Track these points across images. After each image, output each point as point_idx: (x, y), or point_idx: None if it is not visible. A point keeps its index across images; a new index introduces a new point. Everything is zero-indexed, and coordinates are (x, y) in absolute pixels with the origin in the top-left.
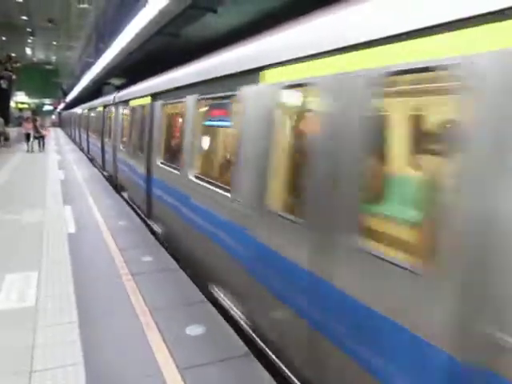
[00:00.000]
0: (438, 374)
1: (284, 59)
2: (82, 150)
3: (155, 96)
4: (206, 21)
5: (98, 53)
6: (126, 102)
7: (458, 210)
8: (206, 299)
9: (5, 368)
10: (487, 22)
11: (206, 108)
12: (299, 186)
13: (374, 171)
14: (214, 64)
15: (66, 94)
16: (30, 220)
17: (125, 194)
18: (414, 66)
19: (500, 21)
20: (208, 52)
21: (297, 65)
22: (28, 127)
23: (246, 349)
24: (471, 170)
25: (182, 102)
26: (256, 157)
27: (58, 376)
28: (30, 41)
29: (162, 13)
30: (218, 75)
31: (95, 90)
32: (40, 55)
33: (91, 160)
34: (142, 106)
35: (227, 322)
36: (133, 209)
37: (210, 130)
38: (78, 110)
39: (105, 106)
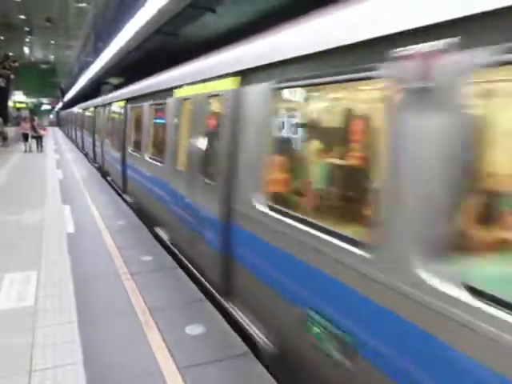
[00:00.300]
0: (213, 227)
1: (180, 84)
2: (77, 146)
3: (128, 101)
4: (204, 20)
5: (97, 52)
6: (110, 104)
7: None
8: (205, 298)
9: (5, 368)
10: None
11: (154, 111)
12: (187, 155)
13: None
14: (158, 81)
15: (64, 94)
16: (29, 220)
17: (109, 179)
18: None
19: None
20: (206, 52)
21: (184, 88)
22: (26, 127)
23: (245, 348)
24: None
25: (142, 106)
26: (170, 139)
27: (58, 376)
28: (27, 40)
29: (160, 12)
30: (159, 89)
31: (93, 89)
32: (38, 54)
33: (85, 155)
34: (120, 108)
35: (165, 250)
36: (114, 189)
37: (156, 126)
38: (74, 109)
39: (95, 107)
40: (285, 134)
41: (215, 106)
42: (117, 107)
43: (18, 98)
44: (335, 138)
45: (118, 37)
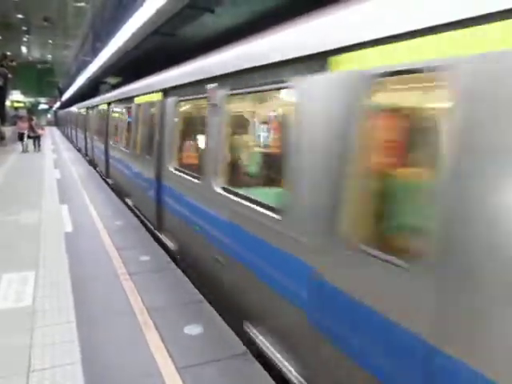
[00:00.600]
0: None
1: (137, 94)
2: (74, 146)
3: (109, 104)
4: (203, 21)
5: (95, 52)
6: (97, 106)
7: None
8: (204, 299)
9: (3, 368)
10: None
11: (126, 112)
12: (140, 143)
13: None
14: (127, 90)
15: (62, 93)
16: (27, 220)
17: (98, 169)
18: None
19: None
20: (204, 52)
21: (139, 97)
22: (23, 127)
23: (244, 348)
24: None
25: (118, 108)
26: (132, 134)
27: (57, 375)
28: (25, 39)
29: (159, 12)
30: (127, 96)
31: (91, 89)
32: (36, 54)
33: (79, 150)
34: (104, 110)
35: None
36: (102, 178)
37: (128, 124)
38: (70, 109)
39: (87, 108)
40: (183, 126)
41: (153, 110)
42: (102, 109)
43: (15, 98)
44: (190, 128)
45: (116, 37)
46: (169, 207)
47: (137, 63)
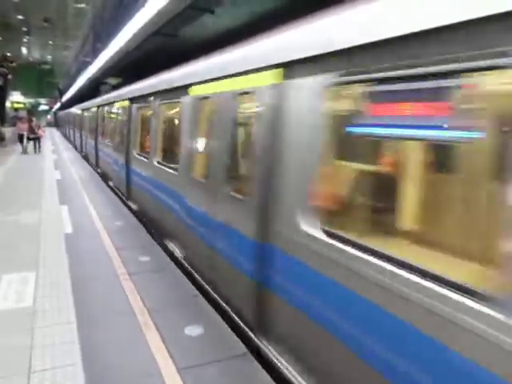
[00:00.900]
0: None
1: (115, 100)
2: (70, 142)
3: (98, 107)
4: (203, 21)
5: (95, 52)
6: (90, 108)
7: None
8: (204, 299)
9: (4, 368)
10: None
11: (113, 113)
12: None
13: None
14: (111, 96)
15: (62, 94)
16: (27, 220)
17: (89, 162)
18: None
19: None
20: (204, 52)
21: (117, 102)
22: (22, 128)
23: (244, 349)
24: None
25: (106, 110)
26: (116, 131)
27: (57, 376)
28: (25, 40)
29: (159, 13)
30: (112, 101)
31: (92, 90)
32: (36, 55)
33: (75, 148)
34: (95, 111)
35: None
36: (96, 171)
37: (114, 123)
38: (70, 110)
39: (82, 110)
40: (142, 125)
41: (123, 113)
42: (93, 110)
43: (15, 99)
44: (145, 126)
45: (116, 37)
46: (133, 182)
47: (137, 64)
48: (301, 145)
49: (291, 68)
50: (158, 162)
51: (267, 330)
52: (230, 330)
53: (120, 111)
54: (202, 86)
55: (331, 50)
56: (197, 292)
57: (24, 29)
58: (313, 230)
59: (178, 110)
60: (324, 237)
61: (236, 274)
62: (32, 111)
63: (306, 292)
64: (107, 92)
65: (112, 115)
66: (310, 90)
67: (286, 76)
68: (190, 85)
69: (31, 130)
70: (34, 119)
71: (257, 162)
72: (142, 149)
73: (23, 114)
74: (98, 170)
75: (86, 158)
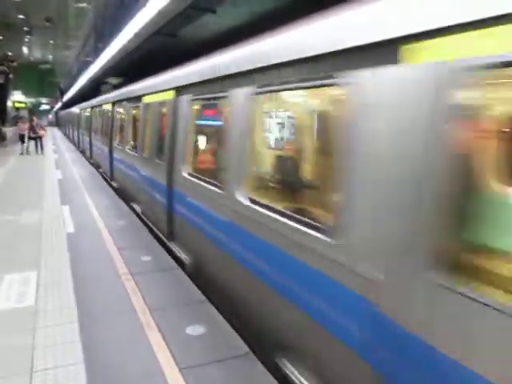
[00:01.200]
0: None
1: (102, 103)
2: (71, 140)
3: (92, 108)
4: (204, 21)
5: (96, 52)
6: (86, 108)
7: None
8: (206, 299)
9: (6, 368)
10: None
11: (103, 113)
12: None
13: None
14: (102, 98)
15: (63, 94)
16: (29, 220)
17: (85, 155)
18: None
19: None
20: (205, 53)
21: (103, 105)
22: (23, 128)
23: (246, 349)
24: None
25: (98, 110)
26: (103, 128)
27: (59, 376)
28: (26, 40)
29: (160, 13)
30: (102, 103)
31: (93, 89)
32: (37, 54)
33: (74, 144)
34: (90, 112)
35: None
36: (90, 163)
37: (106, 121)
38: (70, 110)
39: (80, 110)
40: (124, 124)
41: (110, 113)
42: (88, 111)
43: (16, 98)
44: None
45: (118, 37)
46: (115, 166)
47: (138, 63)
48: (181, 129)
49: (179, 90)
50: (129, 149)
51: (173, 237)
52: (232, 330)
53: (106, 112)
54: (147, 96)
55: (190, 82)
56: (199, 292)
57: (25, 28)
58: (187, 174)
59: (137, 111)
60: (189, 177)
61: (158, 207)
62: (33, 111)
63: (186, 210)
64: (105, 92)
65: (102, 115)
66: (184, 101)
67: (177, 94)
68: (144, 95)
69: (32, 129)
70: (34, 118)
71: (167, 141)
72: (120, 140)
73: (24, 113)
74: (93, 161)
75: (82, 152)
